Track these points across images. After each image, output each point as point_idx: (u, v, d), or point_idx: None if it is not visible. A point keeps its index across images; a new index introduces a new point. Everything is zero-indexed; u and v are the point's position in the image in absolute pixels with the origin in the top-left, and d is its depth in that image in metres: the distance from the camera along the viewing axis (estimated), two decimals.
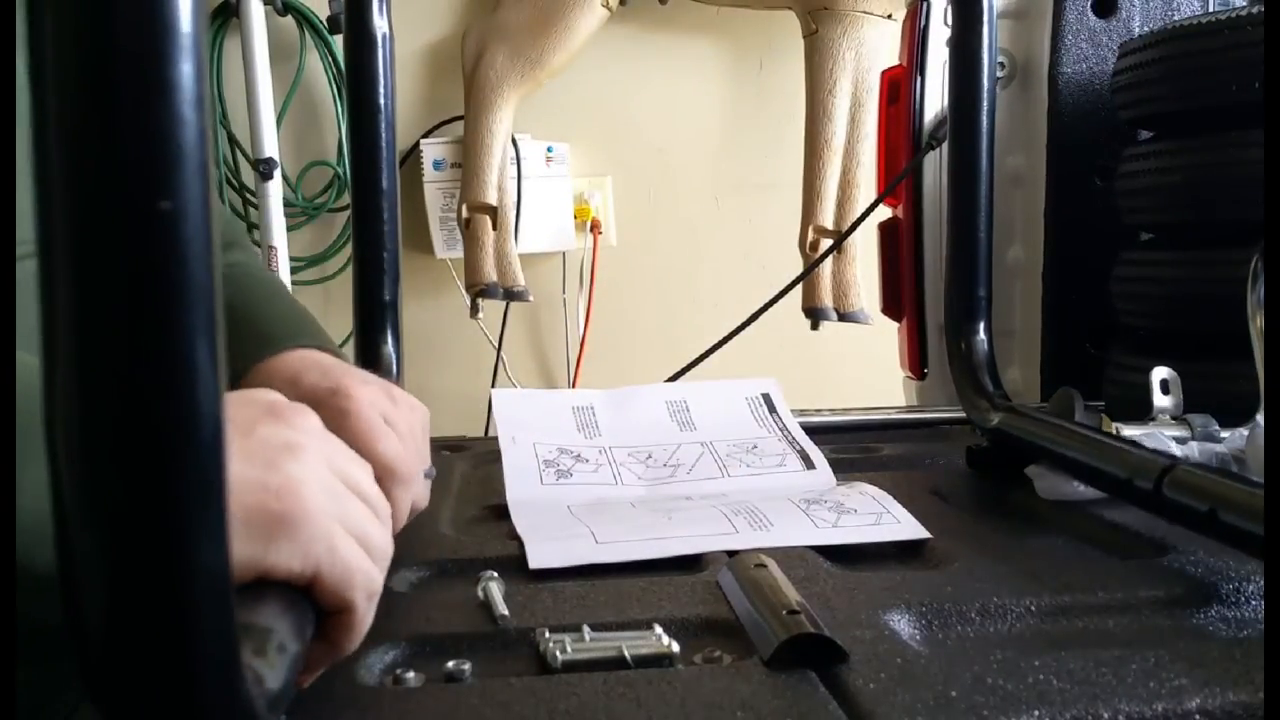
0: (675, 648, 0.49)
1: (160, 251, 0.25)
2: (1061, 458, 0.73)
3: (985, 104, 0.86)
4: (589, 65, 2.18)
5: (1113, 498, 0.69)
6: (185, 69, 0.25)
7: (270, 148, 2.13)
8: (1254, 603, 0.56)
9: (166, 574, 0.27)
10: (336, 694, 0.47)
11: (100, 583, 0.27)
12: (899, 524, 0.70)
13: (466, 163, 2.11)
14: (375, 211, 0.84)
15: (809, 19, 2.03)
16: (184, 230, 0.25)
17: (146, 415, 0.26)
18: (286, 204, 2.19)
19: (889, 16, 1.99)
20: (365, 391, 0.61)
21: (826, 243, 1.98)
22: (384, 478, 0.57)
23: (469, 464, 0.93)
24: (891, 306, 1.41)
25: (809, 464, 0.85)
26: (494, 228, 2.11)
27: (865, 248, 1.78)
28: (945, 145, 1.20)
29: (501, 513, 0.76)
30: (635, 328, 2.30)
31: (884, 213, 1.42)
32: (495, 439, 0.85)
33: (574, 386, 2.23)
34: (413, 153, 2.19)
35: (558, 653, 0.49)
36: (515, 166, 2.15)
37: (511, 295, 2.13)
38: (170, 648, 0.28)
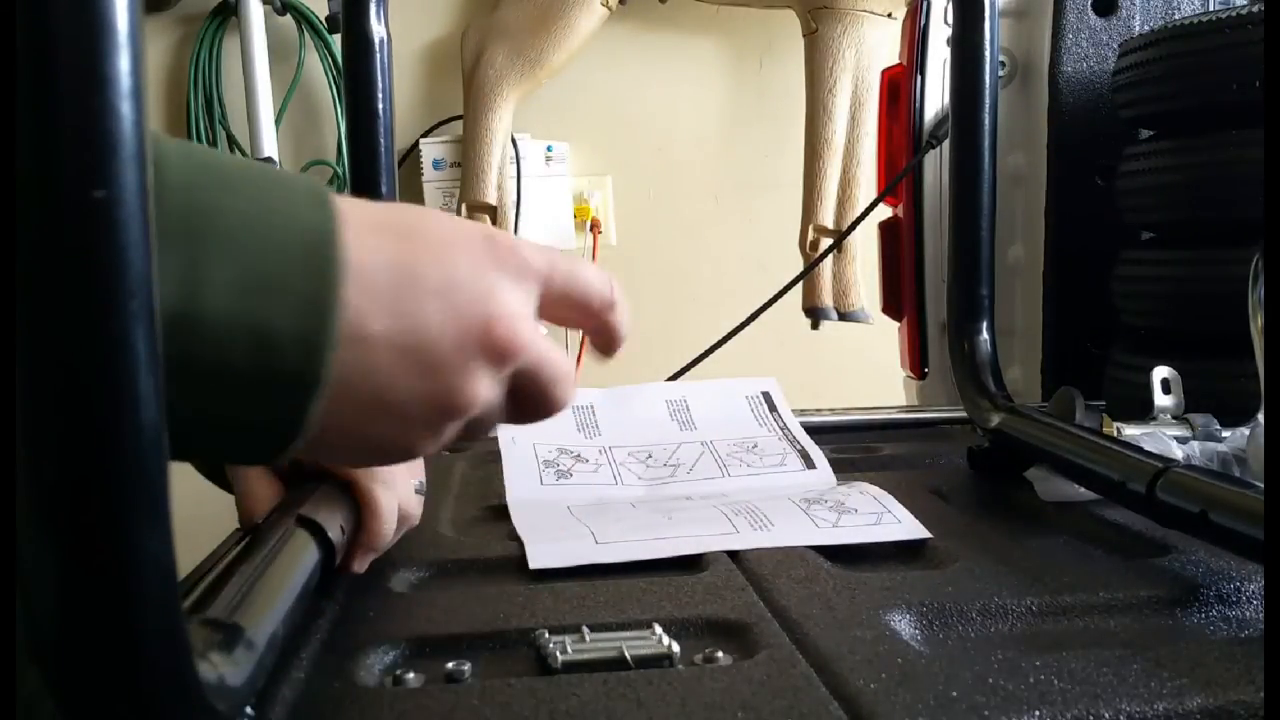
0: (675, 648, 0.49)
1: (95, 239, 0.26)
2: (1061, 460, 0.73)
3: (987, 102, 0.86)
4: (589, 64, 2.17)
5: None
6: (122, 64, 0.26)
7: (269, 147, 2.13)
8: (1254, 603, 0.56)
9: (110, 562, 0.28)
10: (336, 694, 0.47)
11: (47, 570, 0.27)
12: (899, 524, 0.69)
13: (466, 162, 2.11)
14: None
15: (809, 18, 2.03)
16: (119, 218, 0.26)
17: (85, 402, 0.26)
18: None
19: (889, 15, 1.99)
20: None
21: (826, 242, 1.98)
22: (367, 480, 0.57)
23: (469, 464, 0.93)
24: (892, 306, 1.41)
25: (809, 463, 0.85)
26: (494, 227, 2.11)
27: (865, 247, 1.78)
28: (946, 144, 1.20)
29: (501, 513, 0.76)
30: (635, 327, 2.28)
31: (884, 212, 1.42)
32: (495, 439, 0.85)
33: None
34: (412, 152, 2.19)
35: (558, 653, 0.49)
36: (515, 166, 2.15)
37: None
38: (116, 636, 0.28)
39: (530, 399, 0.45)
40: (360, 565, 0.58)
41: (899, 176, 1.32)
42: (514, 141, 2.15)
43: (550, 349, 0.45)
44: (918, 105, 1.29)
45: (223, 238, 0.35)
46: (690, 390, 0.95)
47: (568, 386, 0.46)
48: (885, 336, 1.52)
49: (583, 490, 0.80)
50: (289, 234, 0.37)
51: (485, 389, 0.42)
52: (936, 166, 1.28)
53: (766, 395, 0.94)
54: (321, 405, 0.37)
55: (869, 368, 1.76)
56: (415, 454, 0.43)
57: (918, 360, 1.34)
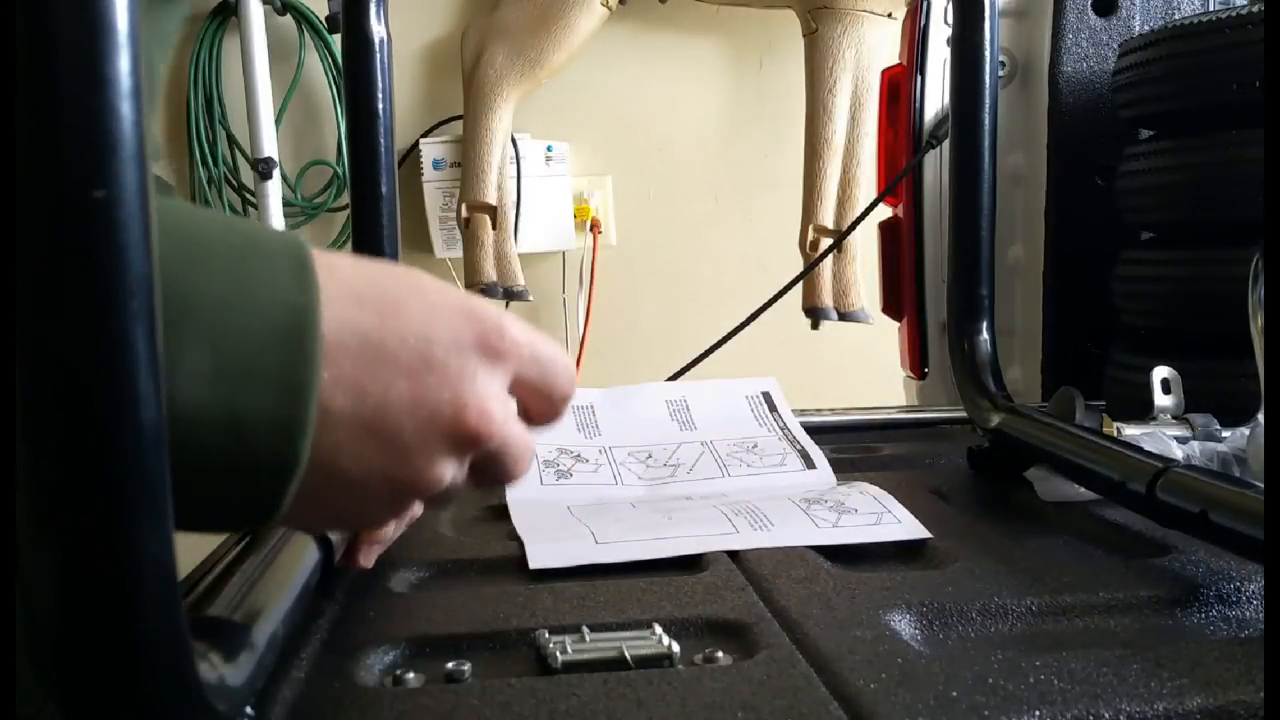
0: (675, 648, 0.49)
1: (95, 239, 0.26)
2: (1061, 460, 0.73)
3: (987, 102, 0.86)
4: (589, 64, 2.18)
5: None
6: (121, 64, 0.26)
7: (269, 147, 2.13)
8: (1254, 603, 0.56)
9: (110, 562, 0.28)
10: (336, 694, 0.47)
11: (47, 570, 0.27)
12: (899, 524, 0.69)
13: (466, 162, 2.11)
14: (374, 216, 0.84)
15: (809, 18, 2.03)
16: (119, 218, 0.26)
17: (85, 402, 0.27)
18: (286, 203, 2.19)
19: (889, 15, 1.99)
20: None
21: (826, 242, 1.98)
22: None
23: None
24: (892, 306, 1.41)
25: (809, 463, 0.85)
26: (493, 227, 2.11)
27: (865, 247, 1.78)
28: (946, 144, 1.20)
29: (501, 513, 0.76)
30: (635, 327, 2.30)
31: (884, 212, 1.42)
32: None
33: None
34: (412, 152, 2.19)
35: (558, 653, 0.49)
36: (515, 166, 2.15)
37: (511, 295, 2.13)
38: (116, 636, 0.28)
39: (489, 474, 0.45)
40: (367, 560, 0.58)
41: (899, 176, 1.32)
42: (514, 141, 2.15)
43: (516, 429, 0.44)
44: (918, 105, 1.29)
45: (198, 323, 0.34)
46: (690, 390, 0.95)
47: (527, 463, 0.46)
48: (885, 336, 1.52)
49: (583, 490, 0.80)
50: (268, 314, 0.35)
51: (449, 472, 0.42)
52: (936, 166, 1.28)
53: (766, 395, 0.94)
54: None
55: (869, 368, 1.76)
56: (375, 525, 0.42)
57: (918, 360, 1.34)
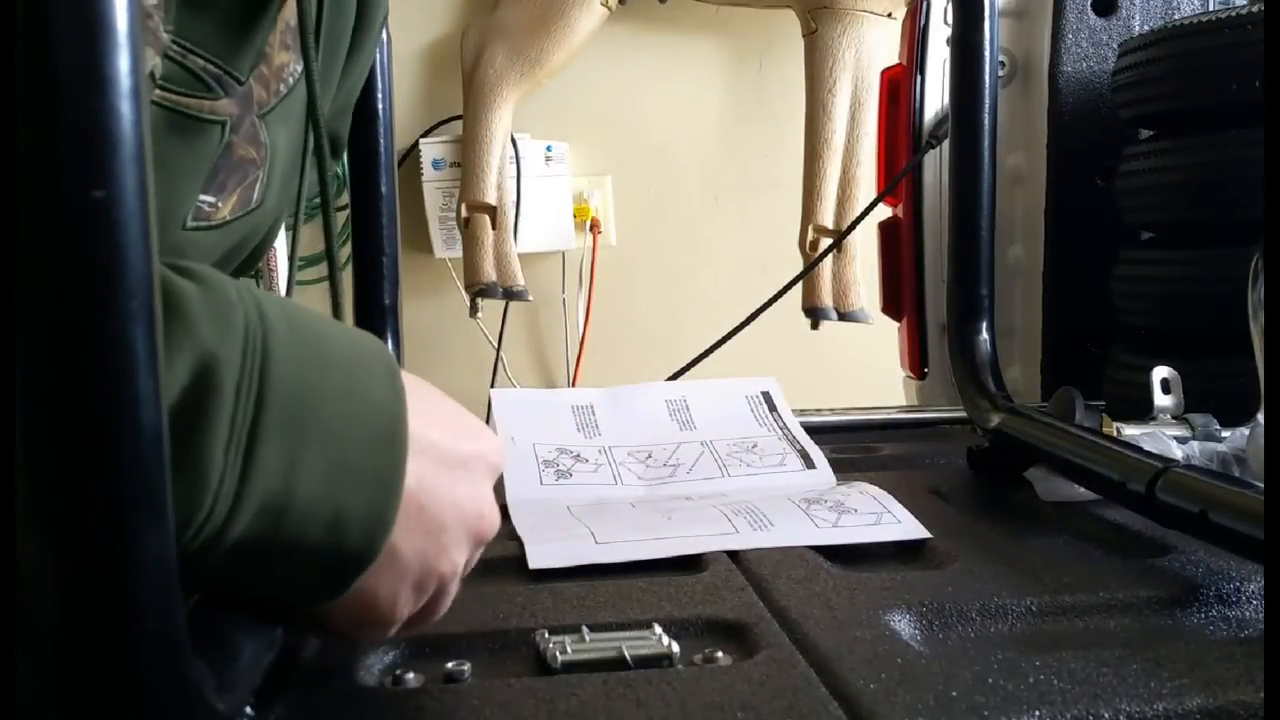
0: (675, 648, 0.49)
1: (95, 239, 0.26)
2: (1061, 460, 0.73)
3: (987, 101, 0.86)
4: (588, 64, 2.17)
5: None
6: (122, 64, 0.26)
7: None
8: (1254, 603, 0.56)
9: (110, 562, 0.28)
10: (336, 694, 0.47)
11: (47, 570, 0.28)
12: (899, 524, 0.69)
13: (466, 162, 2.10)
14: (374, 216, 0.85)
15: (809, 18, 2.03)
16: (119, 217, 0.26)
17: (85, 402, 0.27)
18: None
19: (889, 15, 1.99)
20: None
21: (826, 242, 1.98)
22: None
23: None
24: (891, 306, 1.41)
25: (809, 463, 0.85)
26: (493, 227, 2.11)
27: (865, 247, 1.78)
28: (945, 144, 1.20)
29: (501, 513, 0.76)
30: (635, 327, 2.30)
31: (884, 212, 1.42)
32: None
33: (574, 386, 2.23)
34: (412, 152, 2.19)
35: (557, 653, 0.49)
36: (514, 166, 2.15)
37: (511, 295, 2.13)
38: (116, 636, 0.29)
39: (427, 608, 0.47)
40: None
41: (899, 176, 1.32)
42: (514, 141, 2.15)
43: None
44: (918, 105, 1.29)
45: (321, 423, 0.37)
46: (690, 390, 0.95)
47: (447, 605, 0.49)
48: (885, 336, 1.52)
49: (582, 490, 0.80)
50: (370, 418, 0.39)
51: (462, 560, 0.46)
52: (936, 166, 1.28)
53: (766, 395, 0.94)
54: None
55: (869, 368, 1.76)
56: (396, 613, 0.44)
57: (918, 360, 1.34)
